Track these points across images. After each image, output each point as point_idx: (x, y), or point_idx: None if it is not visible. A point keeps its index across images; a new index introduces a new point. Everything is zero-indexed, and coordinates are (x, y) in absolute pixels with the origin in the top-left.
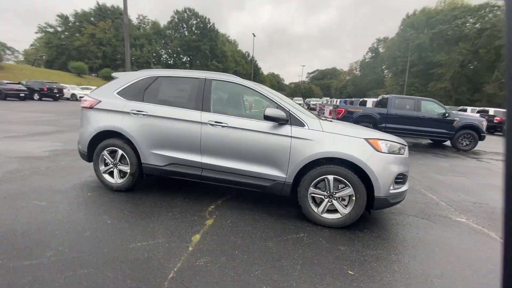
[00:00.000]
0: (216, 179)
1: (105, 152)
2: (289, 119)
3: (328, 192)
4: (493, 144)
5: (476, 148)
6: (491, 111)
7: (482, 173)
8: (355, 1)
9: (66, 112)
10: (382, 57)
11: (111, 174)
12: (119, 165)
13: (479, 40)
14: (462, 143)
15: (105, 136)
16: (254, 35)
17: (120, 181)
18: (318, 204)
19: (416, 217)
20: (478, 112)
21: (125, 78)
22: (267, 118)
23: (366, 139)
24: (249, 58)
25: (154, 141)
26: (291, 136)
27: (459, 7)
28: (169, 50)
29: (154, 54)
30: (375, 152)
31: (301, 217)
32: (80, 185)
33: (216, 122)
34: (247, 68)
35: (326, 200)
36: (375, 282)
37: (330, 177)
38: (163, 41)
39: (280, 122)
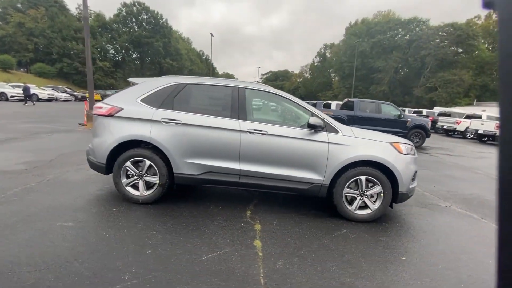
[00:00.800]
0: (254, 185)
1: (128, 163)
2: (325, 126)
3: (360, 191)
4: (434, 141)
5: (424, 144)
6: (424, 111)
7: (437, 166)
8: (305, 7)
9: (6, 115)
10: (329, 62)
11: (134, 186)
12: (146, 176)
13: (408, 50)
14: (414, 140)
15: (126, 146)
16: (212, 35)
17: (147, 193)
18: (350, 203)
19: (417, 207)
20: (414, 112)
21: (148, 85)
22: (310, 126)
23: (391, 143)
24: (204, 57)
25: (188, 150)
26: (328, 142)
27: (392, 20)
28: (117, 46)
29: (99, 49)
30: (398, 154)
31: (333, 215)
32: (97, 200)
33: (255, 130)
34: (202, 67)
35: (358, 198)
36: (426, 262)
37: (363, 178)
38: (109, 36)
39: (318, 129)
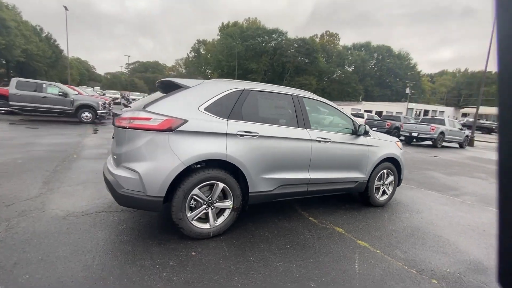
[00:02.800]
0: (318, 191)
1: (196, 191)
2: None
3: (382, 181)
4: None
5: None
6: None
7: None
8: None
9: None
10: (204, 58)
11: (199, 218)
12: (216, 202)
13: (274, 56)
14: None
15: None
16: (67, 9)
17: (218, 222)
18: (376, 192)
19: (418, 188)
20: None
21: (206, 90)
22: (359, 132)
23: (395, 142)
24: (44, 35)
25: (265, 165)
26: (368, 145)
27: (261, 28)
28: None
29: None
30: (399, 149)
31: (362, 205)
32: (165, 247)
33: (322, 138)
34: (44, 48)
35: (381, 187)
36: (453, 228)
37: (385, 171)
38: None
39: (363, 134)
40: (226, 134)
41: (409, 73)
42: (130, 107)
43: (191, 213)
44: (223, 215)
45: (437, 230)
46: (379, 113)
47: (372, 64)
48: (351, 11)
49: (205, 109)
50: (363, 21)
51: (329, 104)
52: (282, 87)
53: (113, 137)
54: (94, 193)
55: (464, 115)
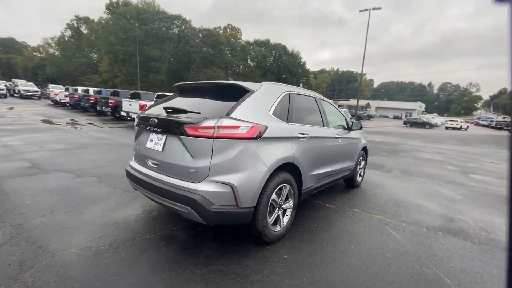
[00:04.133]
0: (332, 181)
1: (274, 196)
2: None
3: (359, 166)
4: None
5: None
6: None
7: None
8: None
9: None
10: (87, 39)
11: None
12: (283, 204)
13: (178, 44)
14: None
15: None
16: None
17: (285, 222)
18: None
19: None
20: None
21: (268, 93)
22: (351, 127)
23: (361, 133)
24: None
25: (311, 163)
26: (356, 138)
27: (161, 12)
28: None
29: None
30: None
31: (346, 188)
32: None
33: (338, 135)
34: None
35: (359, 171)
36: (413, 195)
37: (361, 157)
38: None
39: (353, 129)
40: (291, 138)
41: (300, 70)
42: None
43: (269, 218)
44: (287, 215)
45: (405, 197)
46: None
47: (271, 60)
48: (250, 7)
49: (273, 113)
50: (261, 18)
51: (331, 104)
52: (306, 90)
53: (163, 150)
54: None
55: (340, 106)
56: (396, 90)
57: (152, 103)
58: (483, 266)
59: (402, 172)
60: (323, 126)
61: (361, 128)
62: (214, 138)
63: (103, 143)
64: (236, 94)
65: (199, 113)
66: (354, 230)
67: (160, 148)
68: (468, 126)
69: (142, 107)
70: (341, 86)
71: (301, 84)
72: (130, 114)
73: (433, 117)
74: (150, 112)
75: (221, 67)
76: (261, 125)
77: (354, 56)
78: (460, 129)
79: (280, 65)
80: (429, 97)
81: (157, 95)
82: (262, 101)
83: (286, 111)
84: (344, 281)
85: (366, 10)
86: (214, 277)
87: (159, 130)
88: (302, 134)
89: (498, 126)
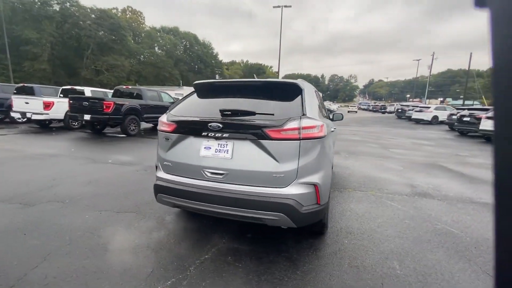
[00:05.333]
0: None
1: None
2: None
3: None
4: None
5: None
6: None
7: None
8: None
9: None
10: None
11: None
12: None
13: (63, 25)
14: None
15: None
16: None
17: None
18: None
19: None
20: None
21: (309, 90)
22: (342, 119)
23: None
24: None
25: (331, 155)
26: (335, 128)
27: None
28: None
29: None
30: None
31: None
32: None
33: (334, 127)
34: None
35: None
36: (376, 170)
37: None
38: None
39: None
40: (330, 133)
41: (213, 61)
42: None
43: None
44: None
45: (370, 173)
46: None
47: (182, 49)
48: None
49: (318, 110)
50: (167, 2)
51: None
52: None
53: (232, 158)
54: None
55: None
56: None
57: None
58: (460, 215)
59: (348, 153)
60: (328, 118)
61: (342, 119)
62: (301, 139)
63: (13, 156)
64: (291, 93)
65: (272, 114)
66: (367, 207)
67: (228, 155)
68: (357, 111)
69: (48, 106)
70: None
71: (217, 76)
72: (29, 115)
73: (330, 105)
74: (194, 115)
75: (125, 55)
76: (323, 123)
77: (263, 49)
78: (356, 112)
79: (192, 55)
80: (322, 87)
81: (63, 89)
82: (311, 98)
83: (319, 107)
84: (399, 246)
85: (278, 6)
86: (311, 277)
87: (224, 135)
88: (332, 129)
89: (374, 109)
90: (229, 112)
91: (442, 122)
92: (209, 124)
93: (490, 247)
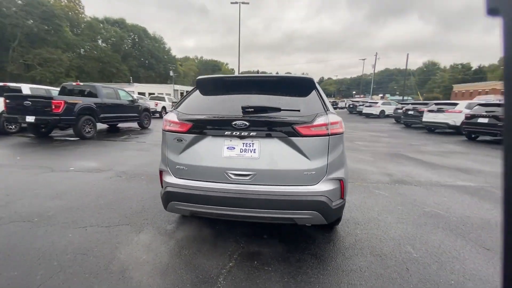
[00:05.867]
0: None
1: None
2: None
3: None
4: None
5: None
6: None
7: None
8: None
9: None
10: None
11: None
12: None
13: None
14: (144, 121)
15: None
16: None
17: None
18: None
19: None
20: None
21: (319, 86)
22: None
23: None
24: None
25: None
26: None
27: None
28: None
29: None
30: None
31: None
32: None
33: None
34: None
35: None
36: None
37: None
38: None
39: None
40: None
41: (165, 57)
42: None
43: None
44: None
45: (349, 164)
46: (151, 95)
47: (130, 43)
48: None
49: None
50: None
51: None
52: None
53: (259, 157)
54: None
55: None
56: None
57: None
58: (438, 197)
59: None
60: None
61: None
62: (330, 135)
63: None
64: (307, 89)
65: (298, 110)
66: (360, 197)
67: (255, 155)
68: None
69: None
70: (208, 74)
71: (171, 72)
72: None
73: None
74: (209, 114)
75: (62, 47)
76: (341, 118)
77: (218, 45)
78: None
79: (142, 50)
80: None
81: None
82: (324, 94)
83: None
84: (404, 231)
85: (236, 3)
86: (344, 271)
87: (252, 134)
88: None
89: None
90: (252, 109)
91: (388, 116)
92: (234, 123)
93: (475, 223)
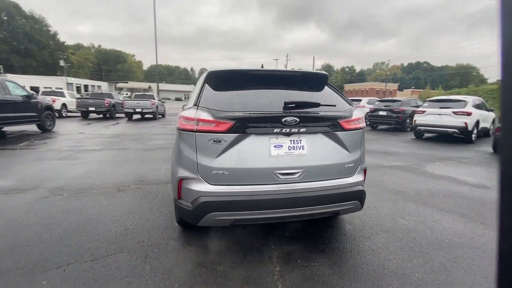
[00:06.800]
0: None
1: None
2: None
3: None
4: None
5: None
6: None
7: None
8: None
9: None
10: None
11: None
12: None
13: None
14: (47, 123)
15: None
16: None
17: None
18: None
19: None
20: None
21: None
22: None
23: None
24: None
25: None
26: None
27: None
28: None
29: None
30: None
31: None
32: None
33: None
34: None
35: None
36: None
37: None
38: None
39: None
40: None
41: (51, 42)
42: None
43: None
44: None
45: None
46: (35, 89)
47: None
48: None
49: None
50: None
51: None
52: None
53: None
54: None
55: (120, 89)
56: (166, 73)
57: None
58: (389, 176)
59: None
60: None
61: None
62: (363, 129)
63: None
64: (323, 84)
65: (334, 105)
66: None
67: (304, 151)
68: None
69: None
70: (109, 66)
71: (61, 61)
72: None
73: None
74: (242, 110)
75: None
76: None
77: (121, 34)
78: None
79: (17, 32)
80: (194, 81)
81: None
82: None
83: None
84: (389, 207)
85: None
86: (385, 257)
87: (301, 130)
88: None
89: None
90: (293, 105)
91: None
92: (284, 119)
93: (426, 194)
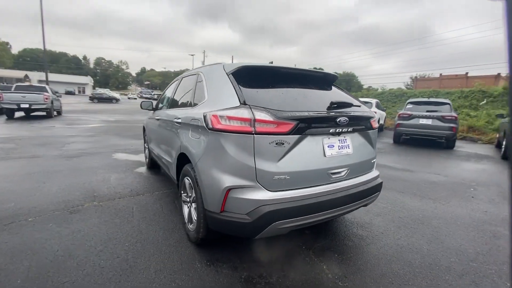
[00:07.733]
0: None
1: None
2: None
3: None
4: None
5: None
6: None
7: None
8: None
9: None
10: None
11: None
12: None
13: None
14: None
15: None
16: None
17: None
18: None
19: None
20: None
21: None
22: None
23: None
24: None
25: None
26: None
27: None
28: None
29: None
30: None
31: None
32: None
33: None
34: None
35: None
36: None
37: None
38: None
39: None
40: None
41: None
42: None
43: None
44: None
45: None
46: None
47: None
48: None
49: None
50: None
51: None
52: None
53: (352, 151)
54: None
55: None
56: (49, 60)
57: None
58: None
59: None
60: None
61: None
62: (377, 128)
63: None
64: (331, 84)
65: (359, 106)
66: None
67: (350, 150)
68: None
69: None
70: None
71: None
72: None
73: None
74: (291, 109)
75: None
76: None
77: None
78: (136, 100)
79: None
80: (88, 71)
81: None
82: None
83: None
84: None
85: None
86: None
87: (349, 130)
88: None
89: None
90: (335, 105)
91: None
92: (338, 119)
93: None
